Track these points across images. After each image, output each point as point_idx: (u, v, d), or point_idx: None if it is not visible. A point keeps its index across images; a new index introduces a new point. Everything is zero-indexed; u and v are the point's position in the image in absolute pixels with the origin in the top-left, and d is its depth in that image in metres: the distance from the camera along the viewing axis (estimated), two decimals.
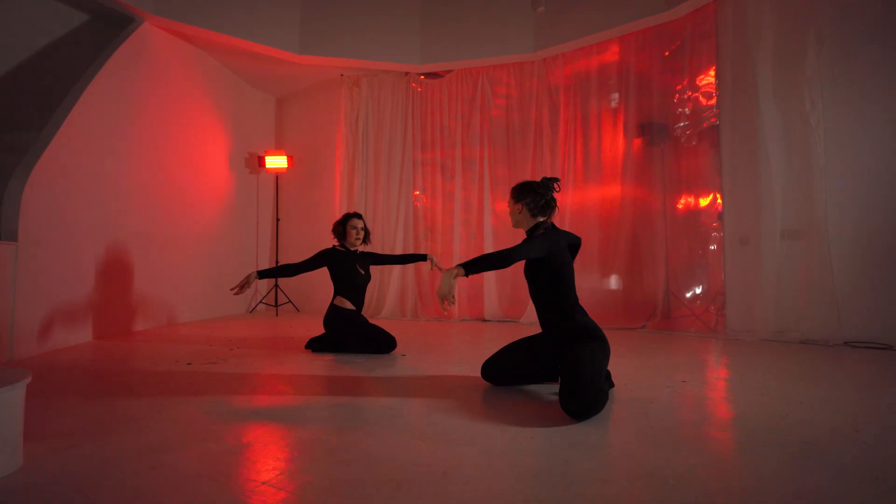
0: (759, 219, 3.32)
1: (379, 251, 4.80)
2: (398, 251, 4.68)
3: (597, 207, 4.13)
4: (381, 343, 2.70)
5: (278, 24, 4.22)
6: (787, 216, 3.24)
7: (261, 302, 5.30)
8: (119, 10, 3.53)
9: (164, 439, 1.37)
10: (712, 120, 3.64)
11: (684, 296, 3.78)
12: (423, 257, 2.96)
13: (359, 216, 2.91)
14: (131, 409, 1.68)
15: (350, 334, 2.72)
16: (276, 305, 5.14)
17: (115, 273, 3.37)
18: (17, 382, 1.18)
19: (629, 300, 3.98)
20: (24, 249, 2.54)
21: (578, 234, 3.92)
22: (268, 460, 1.24)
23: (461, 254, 4.60)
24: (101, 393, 1.91)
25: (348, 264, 2.79)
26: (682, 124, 3.82)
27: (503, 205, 4.53)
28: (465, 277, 1.72)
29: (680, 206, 3.84)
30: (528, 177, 4.37)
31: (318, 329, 3.46)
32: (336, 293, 2.80)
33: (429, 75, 4.79)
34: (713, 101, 3.63)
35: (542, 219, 1.91)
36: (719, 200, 3.59)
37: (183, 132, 4.19)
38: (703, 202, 3.72)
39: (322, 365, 2.46)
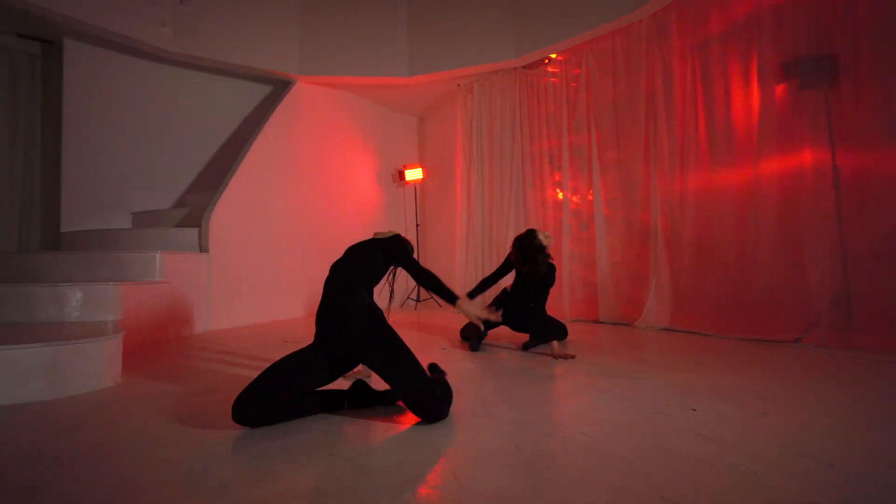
0: None
1: (492, 251, 4.92)
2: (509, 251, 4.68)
3: (728, 188, 3.26)
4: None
5: (389, 56, 4.85)
6: None
7: (408, 298, 6.09)
8: (281, 77, 4.77)
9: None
10: None
11: (872, 299, 2.61)
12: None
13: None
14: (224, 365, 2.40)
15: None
16: (417, 301, 5.83)
17: (281, 273, 4.55)
18: (117, 334, 1.94)
19: (778, 304, 2.98)
20: (213, 258, 3.78)
21: (706, 226, 3.42)
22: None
23: (571, 249, 4.29)
24: (224, 355, 2.74)
25: None
26: (855, 51, 2.66)
27: (614, 192, 4.02)
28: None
29: (859, 171, 2.68)
30: (640, 158, 3.81)
31: (444, 322, 3.84)
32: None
33: (532, 66, 4.65)
34: None
35: None
36: None
37: (335, 158, 5.26)
38: None
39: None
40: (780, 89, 2.96)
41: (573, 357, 2.54)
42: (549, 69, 4.49)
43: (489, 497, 1.03)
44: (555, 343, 2.58)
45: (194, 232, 3.80)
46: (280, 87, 5.05)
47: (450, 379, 2.13)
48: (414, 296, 5.96)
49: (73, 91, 4.16)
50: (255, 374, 1.82)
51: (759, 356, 2.53)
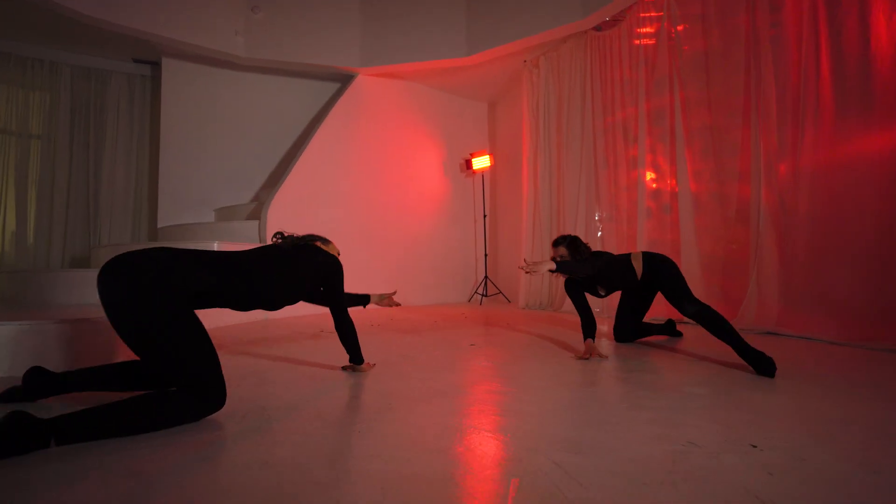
0: None
1: None
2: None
3: (865, 151, 2.40)
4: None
5: (446, 37, 4.59)
6: None
7: (475, 293, 5.80)
8: (345, 72, 4.83)
9: None
10: None
11: None
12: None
13: (555, 243, 2.42)
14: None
15: None
16: (483, 295, 5.51)
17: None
18: None
19: None
20: None
21: (829, 202, 2.60)
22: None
23: (649, 236, 3.61)
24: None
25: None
26: None
27: (703, 163, 3.28)
28: None
29: None
30: (738, 117, 3.07)
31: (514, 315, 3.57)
32: None
33: (606, 25, 4.03)
34: None
35: None
36: None
37: (398, 149, 5.17)
38: None
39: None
40: None
41: (602, 358, 2.04)
42: (625, 26, 3.85)
43: None
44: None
45: (256, 224, 3.99)
46: (347, 82, 5.12)
47: (448, 378, 1.82)
48: (481, 290, 5.66)
49: (168, 103, 4.68)
50: (259, 365, 1.71)
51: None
